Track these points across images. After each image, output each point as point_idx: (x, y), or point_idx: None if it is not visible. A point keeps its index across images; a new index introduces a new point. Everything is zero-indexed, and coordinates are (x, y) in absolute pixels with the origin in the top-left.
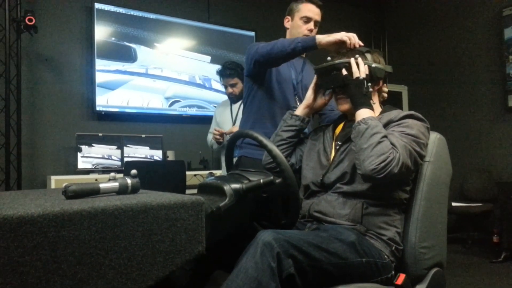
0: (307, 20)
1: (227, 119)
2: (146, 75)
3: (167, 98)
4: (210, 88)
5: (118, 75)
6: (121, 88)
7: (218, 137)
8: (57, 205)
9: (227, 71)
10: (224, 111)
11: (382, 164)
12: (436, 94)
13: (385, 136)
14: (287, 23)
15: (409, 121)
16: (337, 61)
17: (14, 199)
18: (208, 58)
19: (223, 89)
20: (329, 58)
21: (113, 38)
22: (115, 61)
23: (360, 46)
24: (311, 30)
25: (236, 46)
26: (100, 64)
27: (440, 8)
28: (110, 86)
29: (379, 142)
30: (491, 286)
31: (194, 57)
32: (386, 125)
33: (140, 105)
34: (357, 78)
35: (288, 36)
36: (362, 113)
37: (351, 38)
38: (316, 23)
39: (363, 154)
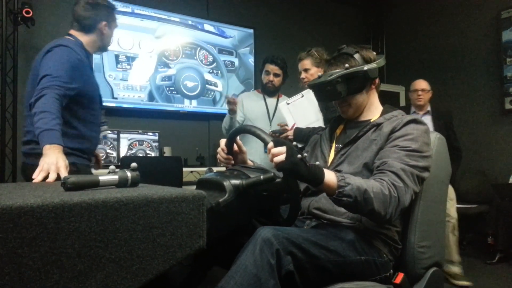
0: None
1: (262, 115)
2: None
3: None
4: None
5: None
6: None
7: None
8: (56, 197)
9: (279, 61)
10: (256, 104)
11: (392, 211)
12: (434, 95)
13: (367, 187)
14: None
15: (413, 130)
16: (329, 78)
17: (12, 190)
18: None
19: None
20: (319, 74)
21: None
22: None
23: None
24: None
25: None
26: None
27: (439, 9)
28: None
29: (374, 197)
30: (485, 287)
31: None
32: (389, 133)
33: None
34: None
35: None
36: (328, 183)
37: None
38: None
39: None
